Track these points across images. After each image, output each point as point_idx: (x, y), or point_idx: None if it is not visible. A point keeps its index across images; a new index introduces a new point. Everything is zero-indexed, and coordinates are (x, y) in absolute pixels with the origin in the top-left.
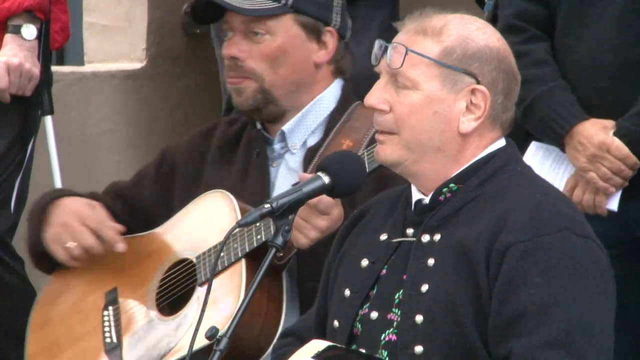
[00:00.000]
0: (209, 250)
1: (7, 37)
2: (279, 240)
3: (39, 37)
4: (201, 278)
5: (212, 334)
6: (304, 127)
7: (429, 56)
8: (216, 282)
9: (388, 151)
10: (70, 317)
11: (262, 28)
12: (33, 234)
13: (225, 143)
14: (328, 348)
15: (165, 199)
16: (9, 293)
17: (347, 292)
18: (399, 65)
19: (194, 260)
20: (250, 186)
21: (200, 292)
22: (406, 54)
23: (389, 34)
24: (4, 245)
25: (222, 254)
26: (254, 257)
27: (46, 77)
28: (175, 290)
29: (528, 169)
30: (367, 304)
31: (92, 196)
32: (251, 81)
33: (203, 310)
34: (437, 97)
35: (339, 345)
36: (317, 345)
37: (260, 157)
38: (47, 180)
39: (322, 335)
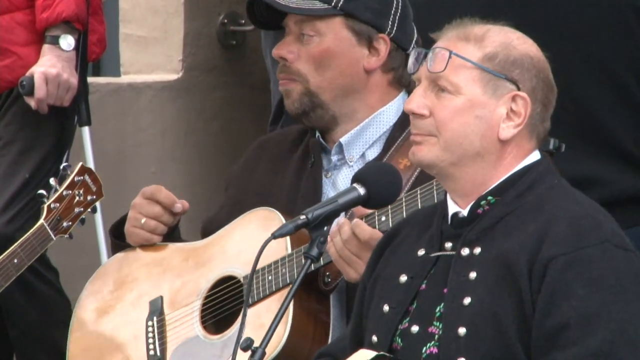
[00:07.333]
0: (262, 269)
1: (45, 47)
2: (314, 251)
3: (76, 48)
4: (252, 299)
5: (247, 345)
6: (362, 140)
7: (471, 60)
8: (264, 305)
9: (425, 150)
10: (112, 321)
11: (311, 30)
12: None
13: (280, 150)
14: (376, 357)
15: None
16: (43, 302)
17: (386, 308)
18: (441, 68)
19: (242, 279)
20: (303, 197)
21: (249, 312)
22: (449, 57)
23: None
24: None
25: (270, 278)
26: (304, 285)
27: (83, 88)
28: (222, 308)
29: (565, 182)
30: (407, 319)
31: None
32: (297, 83)
33: (241, 331)
34: (478, 102)
35: (387, 354)
36: (365, 354)
37: (314, 166)
38: None
39: None
